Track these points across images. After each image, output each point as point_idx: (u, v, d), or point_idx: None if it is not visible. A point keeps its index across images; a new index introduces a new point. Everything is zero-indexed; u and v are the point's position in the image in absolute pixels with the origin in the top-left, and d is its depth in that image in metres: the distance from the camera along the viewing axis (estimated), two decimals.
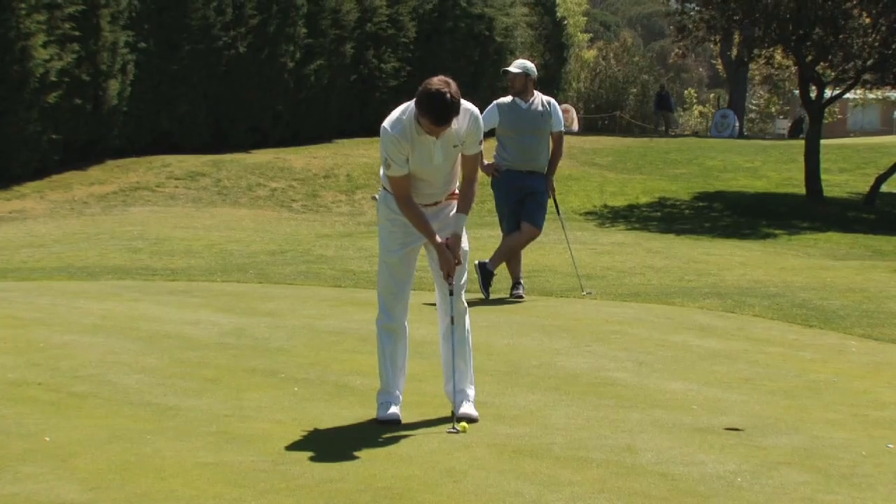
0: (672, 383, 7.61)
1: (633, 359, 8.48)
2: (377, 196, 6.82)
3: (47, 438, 5.96)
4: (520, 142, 11.79)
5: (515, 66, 11.90)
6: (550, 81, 44.28)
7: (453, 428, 6.29)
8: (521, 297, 11.87)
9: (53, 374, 7.56)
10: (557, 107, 12.07)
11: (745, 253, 18.98)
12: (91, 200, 25.45)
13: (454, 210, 6.68)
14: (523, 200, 11.84)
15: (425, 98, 6.22)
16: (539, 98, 11.90)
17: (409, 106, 6.43)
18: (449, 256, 6.55)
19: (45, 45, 25.92)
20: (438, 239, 6.56)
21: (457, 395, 6.60)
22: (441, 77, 6.30)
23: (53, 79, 26.15)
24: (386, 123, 6.43)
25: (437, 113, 6.20)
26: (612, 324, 10.18)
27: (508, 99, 11.90)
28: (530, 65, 12.03)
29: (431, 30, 38.72)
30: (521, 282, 12.07)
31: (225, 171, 28.67)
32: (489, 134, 10.52)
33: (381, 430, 6.26)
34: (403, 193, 6.47)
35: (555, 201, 12.35)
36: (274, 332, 9.35)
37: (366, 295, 12.05)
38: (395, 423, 6.40)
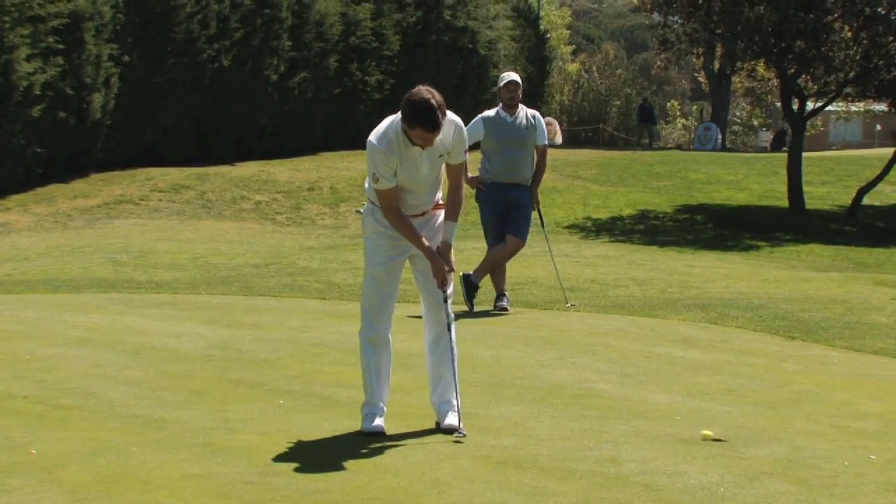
0: (656, 395, 7.64)
1: (617, 370, 8.51)
2: (362, 210, 6.84)
3: (33, 451, 5.97)
4: (505, 155, 11.80)
5: (514, 76, 11.97)
6: (533, 94, 44.31)
7: (459, 432, 6.39)
8: (505, 309, 11.87)
9: (39, 386, 7.57)
10: (542, 120, 12.10)
11: (727, 265, 19.04)
12: (75, 213, 25.41)
13: (440, 219, 6.71)
14: (508, 213, 11.86)
15: (414, 108, 6.23)
16: (524, 111, 11.92)
17: (394, 119, 6.46)
18: (441, 264, 6.58)
19: (28, 59, 25.93)
20: (426, 244, 6.57)
21: (441, 406, 6.63)
22: (424, 86, 6.33)
23: (37, 92, 26.17)
24: (372, 137, 6.45)
25: (428, 121, 6.22)
26: (595, 336, 10.21)
27: (493, 112, 11.95)
28: (517, 76, 12.07)
29: (415, 43, 38.78)
30: (506, 294, 12.08)
31: (209, 183, 28.67)
32: (474, 147, 10.57)
33: (366, 442, 6.28)
34: (392, 205, 6.50)
35: (539, 214, 12.43)
36: (259, 345, 9.36)
37: (350, 307, 12.06)
38: (379, 435, 6.42)
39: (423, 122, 6.23)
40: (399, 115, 6.39)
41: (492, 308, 11.97)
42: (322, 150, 35.11)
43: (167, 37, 30.81)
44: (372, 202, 6.67)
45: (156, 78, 30.63)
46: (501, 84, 11.92)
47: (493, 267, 12.02)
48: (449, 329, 6.66)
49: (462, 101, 39.08)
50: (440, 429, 6.51)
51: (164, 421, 6.67)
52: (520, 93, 11.87)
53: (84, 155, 28.88)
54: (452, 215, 6.69)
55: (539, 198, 12.23)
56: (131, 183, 28.28)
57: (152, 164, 30.26)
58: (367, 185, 6.69)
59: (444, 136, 6.45)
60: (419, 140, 6.33)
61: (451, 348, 6.68)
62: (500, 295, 12.02)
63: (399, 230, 6.54)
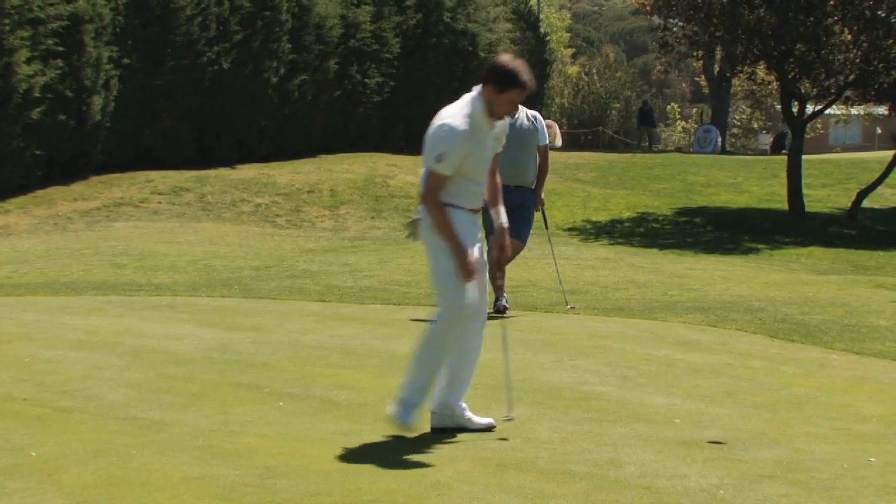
0: (655, 397, 7.65)
1: (617, 373, 8.51)
2: (416, 217, 6.71)
3: (33, 453, 5.97)
4: (506, 157, 11.62)
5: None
6: (533, 97, 44.33)
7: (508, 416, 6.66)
8: (504, 308, 11.83)
9: (39, 389, 7.57)
10: (542, 121, 12.08)
11: (727, 268, 19.05)
12: (75, 216, 25.43)
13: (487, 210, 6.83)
14: (511, 215, 11.78)
15: (507, 71, 6.43)
16: (524, 112, 11.86)
17: (470, 100, 6.51)
18: (504, 240, 6.73)
19: (28, 61, 25.95)
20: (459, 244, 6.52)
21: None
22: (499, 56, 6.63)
23: (37, 94, 26.19)
24: (452, 121, 6.41)
25: (521, 79, 6.43)
26: (595, 338, 10.22)
27: None
28: None
29: (415, 45, 38.79)
30: (506, 294, 12.04)
31: (209, 186, 28.67)
32: None
33: (366, 444, 6.27)
34: (438, 193, 6.44)
35: (543, 216, 12.42)
36: (259, 347, 9.36)
37: (350, 310, 12.09)
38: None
39: (517, 81, 6.41)
40: (473, 95, 6.50)
41: (491, 310, 11.95)
42: (322, 153, 35.13)
43: (167, 39, 30.82)
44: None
45: (156, 80, 30.64)
46: None
47: (494, 269, 11.96)
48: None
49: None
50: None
51: (164, 423, 6.68)
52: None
53: (84, 157, 28.89)
54: (497, 200, 6.86)
55: (543, 199, 12.23)
56: (131, 185, 28.29)
57: (152, 166, 30.27)
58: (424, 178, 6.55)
59: (501, 122, 6.61)
60: (507, 106, 6.48)
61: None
62: (499, 296, 12.00)
63: (436, 220, 6.46)
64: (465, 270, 6.41)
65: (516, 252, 11.90)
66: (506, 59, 6.51)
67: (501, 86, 6.42)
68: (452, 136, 6.36)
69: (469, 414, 6.66)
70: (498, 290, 11.74)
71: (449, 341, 6.56)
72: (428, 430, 6.59)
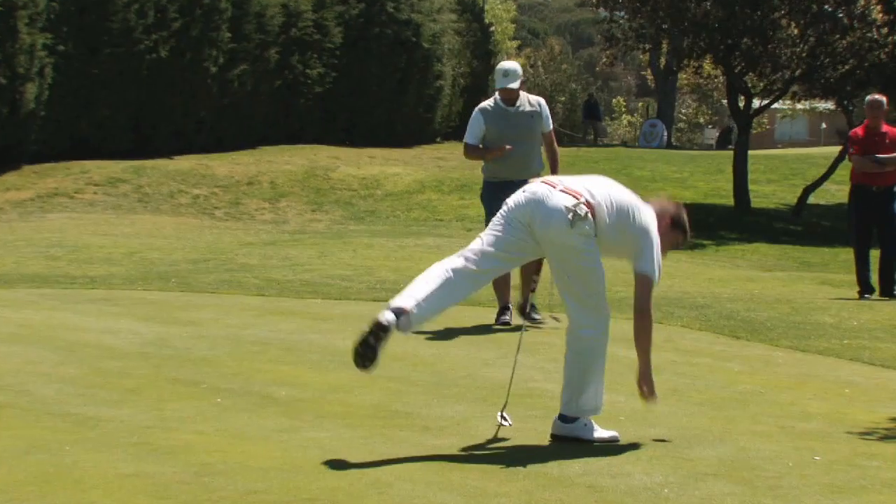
0: None
1: (561, 369, 8.51)
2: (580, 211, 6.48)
3: None
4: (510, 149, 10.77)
5: (511, 79, 10.71)
6: (478, 89, 44.35)
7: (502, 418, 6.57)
8: (507, 323, 10.92)
9: None
10: (546, 106, 11.13)
11: (672, 264, 19.14)
12: (7, 207, 25.18)
13: None
14: None
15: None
16: (525, 98, 10.95)
17: None
18: None
19: None
20: None
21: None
22: None
23: None
24: None
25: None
26: (538, 334, 10.24)
27: (491, 102, 11.00)
28: (517, 67, 10.95)
29: (358, 36, 38.68)
30: (510, 307, 11.08)
31: (146, 177, 28.48)
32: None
33: (305, 442, 6.25)
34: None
35: None
36: (196, 342, 9.31)
37: (290, 304, 12.05)
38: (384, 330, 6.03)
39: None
40: None
41: (493, 323, 11.07)
42: (262, 144, 34.98)
43: (103, 26, 30.56)
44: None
45: (92, 68, 30.37)
46: (497, 87, 10.88)
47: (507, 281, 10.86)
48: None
49: (406, 94, 39.15)
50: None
51: (98, 419, 6.62)
52: (518, 91, 10.84)
53: (17, 147, 28.57)
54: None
55: None
56: (66, 176, 28.04)
57: (88, 156, 29.98)
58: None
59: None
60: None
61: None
62: (504, 308, 11.05)
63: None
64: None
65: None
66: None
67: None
68: None
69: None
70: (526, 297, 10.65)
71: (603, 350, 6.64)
72: (364, 426, 6.57)
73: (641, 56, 53.76)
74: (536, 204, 6.42)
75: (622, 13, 31.60)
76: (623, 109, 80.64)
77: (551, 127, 11.12)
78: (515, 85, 10.72)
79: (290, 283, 14.02)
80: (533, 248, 6.54)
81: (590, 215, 6.36)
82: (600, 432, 6.50)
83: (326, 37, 37.47)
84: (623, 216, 6.49)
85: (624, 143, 56.78)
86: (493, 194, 10.25)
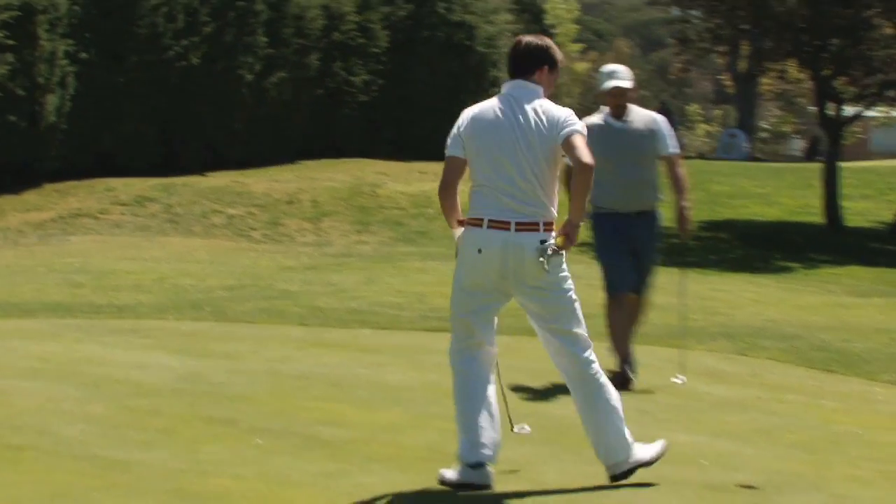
0: (678, 435, 7.62)
1: (635, 407, 8.48)
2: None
3: None
4: (619, 173, 9.80)
5: (619, 77, 9.96)
6: None
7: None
8: (629, 381, 9.64)
9: None
10: (665, 124, 10.19)
11: (757, 289, 19.05)
12: (27, 229, 25.40)
13: None
14: (634, 253, 10.04)
15: None
16: (637, 113, 10.06)
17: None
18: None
19: None
20: None
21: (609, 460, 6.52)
22: None
23: None
24: None
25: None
26: (610, 368, 10.18)
27: (597, 118, 9.99)
28: (626, 69, 10.15)
29: (405, 39, 38.77)
30: (630, 360, 9.88)
31: (176, 196, 28.65)
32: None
33: (353, 488, 6.24)
34: None
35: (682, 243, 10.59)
36: (233, 377, 9.33)
37: (335, 335, 12.07)
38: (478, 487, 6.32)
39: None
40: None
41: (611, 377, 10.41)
42: (302, 159, 35.11)
43: (129, 32, 30.80)
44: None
45: (117, 77, 30.59)
46: (602, 89, 10.04)
47: (621, 332, 10.08)
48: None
49: (459, 103, 39.04)
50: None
51: (127, 463, 6.65)
52: (628, 98, 10.00)
53: (37, 163, 28.81)
54: None
55: (689, 216, 10.16)
56: (89, 195, 28.26)
57: (113, 173, 30.19)
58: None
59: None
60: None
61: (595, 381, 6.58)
62: (625, 361, 9.88)
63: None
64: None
65: (643, 309, 10.32)
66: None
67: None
68: None
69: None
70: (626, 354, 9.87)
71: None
72: (418, 471, 6.56)
73: (718, 59, 53.51)
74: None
75: (697, 12, 31.53)
76: (699, 118, 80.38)
77: (675, 149, 10.14)
78: (626, 84, 9.89)
79: (334, 312, 14.04)
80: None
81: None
82: (650, 449, 6.58)
83: (372, 41, 37.58)
84: None
85: (701, 156, 56.57)
86: (600, 227, 10.04)
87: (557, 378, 9.65)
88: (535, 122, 6.43)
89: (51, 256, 21.60)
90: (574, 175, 6.50)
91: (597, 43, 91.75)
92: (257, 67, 33.85)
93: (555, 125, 6.44)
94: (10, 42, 26.89)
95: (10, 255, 21.98)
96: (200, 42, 32.41)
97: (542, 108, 6.49)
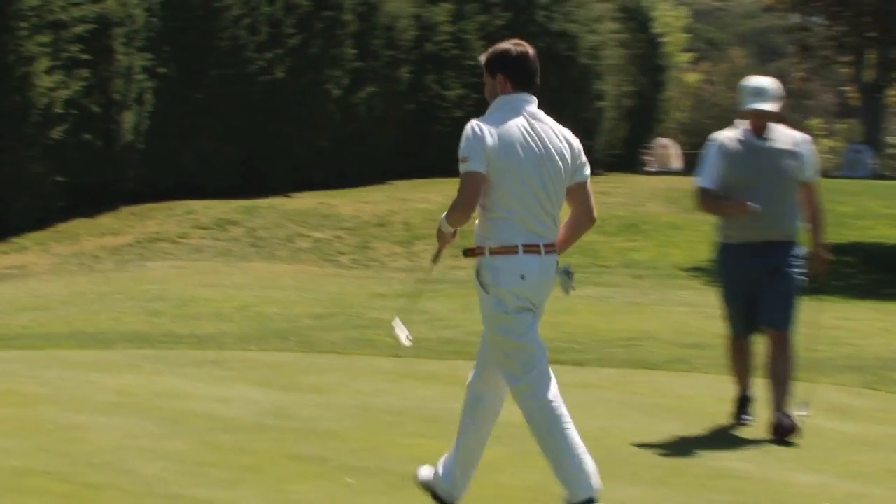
0: (802, 475, 7.56)
1: (755, 445, 8.42)
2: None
3: None
4: (755, 197, 9.18)
5: (765, 98, 9.49)
6: (646, 111, 44.34)
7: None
8: (747, 420, 9.49)
9: (64, 461, 7.62)
10: (811, 147, 9.74)
11: (886, 317, 18.82)
12: (103, 254, 25.69)
13: None
14: (763, 289, 9.41)
15: None
16: (781, 132, 9.58)
17: None
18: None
19: (49, 72, 26.25)
20: None
21: None
22: None
23: (59, 110, 26.46)
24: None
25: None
26: (726, 403, 10.10)
27: (735, 133, 9.62)
28: (775, 84, 9.71)
29: None
30: (789, 410, 9.09)
31: (260, 218, 28.86)
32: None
33: None
34: None
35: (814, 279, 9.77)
36: (321, 412, 9.38)
37: (430, 366, 12.07)
38: None
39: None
40: None
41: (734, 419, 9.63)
42: (392, 179, 35.24)
43: (210, 45, 31.10)
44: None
45: (196, 93, 30.89)
46: (743, 109, 9.59)
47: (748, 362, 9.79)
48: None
49: (559, 118, 39.08)
50: None
51: (211, 502, 6.69)
52: (774, 118, 9.53)
53: (113, 184, 29.14)
54: None
55: (827, 256, 9.69)
56: (168, 217, 28.54)
57: (192, 195, 30.48)
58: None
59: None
60: None
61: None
62: (744, 399, 9.67)
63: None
64: None
65: (787, 351, 9.49)
66: None
67: None
68: None
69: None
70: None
71: None
72: None
73: (842, 69, 53.07)
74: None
75: (818, 18, 31.30)
76: (821, 133, 79.72)
77: (817, 176, 9.68)
78: (771, 107, 9.44)
79: (428, 342, 14.05)
80: None
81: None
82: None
83: (466, 52, 37.64)
84: None
85: (824, 174, 56.07)
86: (727, 260, 9.72)
87: (671, 414, 9.61)
88: (562, 150, 6.69)
89: (128, 283, 21.84)
90: (581, 225, 6.80)
91: (709, 52, 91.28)
92: (345, 82, 34.05)
93: (577, 157, 6.72)
94: (86, 57, 27.19)
95: (85, 282, 22.25)
96: (285, 55, 32.65)
97: (562, 132, 6.79)
